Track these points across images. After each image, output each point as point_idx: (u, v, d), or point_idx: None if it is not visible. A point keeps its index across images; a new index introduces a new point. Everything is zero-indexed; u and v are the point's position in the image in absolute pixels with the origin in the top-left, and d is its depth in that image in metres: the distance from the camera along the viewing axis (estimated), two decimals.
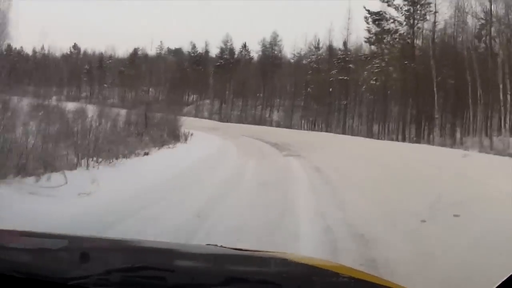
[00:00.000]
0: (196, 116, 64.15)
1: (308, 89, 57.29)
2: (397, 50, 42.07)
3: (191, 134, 27.03)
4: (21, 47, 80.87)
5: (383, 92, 43.46)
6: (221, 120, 61.90)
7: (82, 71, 79.70)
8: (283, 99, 64.18)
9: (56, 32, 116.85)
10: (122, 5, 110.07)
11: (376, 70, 42.30)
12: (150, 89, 71.81)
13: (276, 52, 69.04)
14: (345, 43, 53.66)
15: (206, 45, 76.23)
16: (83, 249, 2.02)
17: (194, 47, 77.03)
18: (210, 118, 63.37)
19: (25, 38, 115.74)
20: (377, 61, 42.66)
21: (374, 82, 42.71)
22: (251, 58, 73.23)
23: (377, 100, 45.35)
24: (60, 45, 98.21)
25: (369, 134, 42.50)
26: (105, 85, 75.41)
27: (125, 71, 75.96)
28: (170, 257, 2.23)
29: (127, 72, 75.11)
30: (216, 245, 2.46)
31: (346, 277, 1.93)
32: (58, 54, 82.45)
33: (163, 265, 1.95)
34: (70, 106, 30.51)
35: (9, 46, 77.04)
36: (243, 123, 58.64)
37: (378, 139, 39.00)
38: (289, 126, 55.39)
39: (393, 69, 41.62)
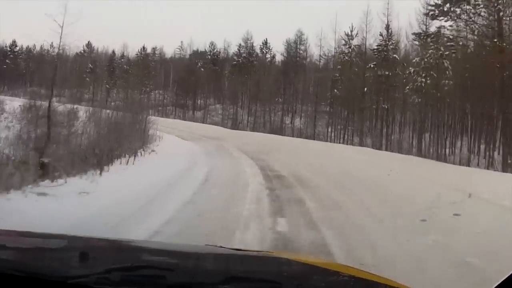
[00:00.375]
0: (205, 121, 56.06)
1: (335, 90, 43.87)
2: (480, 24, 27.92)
3: (140, 155, 16.03)
4: (34, 45, 75.04)
5: (435, 93, 30.20)
6: (233, 127, 51.48)
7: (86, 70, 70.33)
8: (306, 104, 53.48)
9: (75, 30, 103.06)
10: (145, 5, 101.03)
11: (448, 53, 28.80)
12: (155, 91, 65.03)
13: (301, 52, 60.33)
14: (387, 27, 39.74)
15: (228, 46, 68.22)
16: (82, 248, 1.91)
17: (212, 45, 69.10)
18: (222, 124, 53.40)
19: (42, 36, 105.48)
20: (445, 41, 29.21)
21: (424, 79, 29.70)
22: (273, 57, 64.72)
23: (426, 104, 31.97)
24: (75, 43, 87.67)
25: (419, 152, 29.69)
26: (107, 86, 66.85)
27: (130, 71, 67.70)
28: (170, 256, 2.09)
29: (134, 72, 66.67)
30: (215, 245, 2.44)
31: (346, 276, 1.85)
32: (71, 52, 74.32)
33: (163, 264, 1.86)
34: (61, 108, 22.81)
35: (14, 43, 69.47)
36: (257, 131, 48.20)
37: (437, 159, 26.32)
38: (312, 136, 42.98)
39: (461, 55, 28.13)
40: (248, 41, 64.27)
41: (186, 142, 26.69)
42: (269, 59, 64.58)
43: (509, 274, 1.62)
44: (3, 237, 2.14)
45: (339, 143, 38.94)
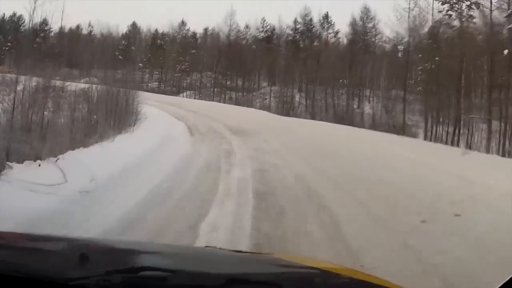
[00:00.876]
0: (252, 105, 44.69)
1: (428, 63, 28.78)
2: None
3: None
4: (77, 26, 67.97)
5: None
6: (286, 113, 38.85)
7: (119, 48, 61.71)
8: (376, 86, 42.48)
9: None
10: None
11: None
12: (201, 73, 55.02)
13: (369, 30, 50.32)
14: None
15: (286, 28, 56.66)
16: (83, 250, 1.83)
17: (264, 21, 57.99)
18: (274, 109, 41.80)
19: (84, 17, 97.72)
20: None
21: None
22: (336, 33, 53.56)
23: None
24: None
25: None
26: (140, 64, 56.89)
27: (165, 47, 59.06)
28: (171, 258, 2.11)
29: (169, 49, 57.94)
30: (215, 247, 2.44)
31: (347, 278, 1.85)
32: (116, 33, 67.15)
33: (164, 266, 1.78)
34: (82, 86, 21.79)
35: (45, 20, 60.84)
36: (317, 118, 35.51)
37: None
38: (400, 128, 28.32)
39: None
40: (306, 17, 54.42)
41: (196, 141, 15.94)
42: (331, 35, 54.15)
43: (509, 277, 1.56)
44: (4, 238, 2.10)
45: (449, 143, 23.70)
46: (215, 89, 52.45)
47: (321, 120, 32.54)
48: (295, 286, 1.69)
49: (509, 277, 1.57)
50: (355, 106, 42.09)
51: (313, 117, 36.10)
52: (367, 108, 40.89)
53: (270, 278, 1.75)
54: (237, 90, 51.93)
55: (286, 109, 41.45)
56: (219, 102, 45.75)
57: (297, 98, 46.75)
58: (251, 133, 19.01)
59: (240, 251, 2.30)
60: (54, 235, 2.49)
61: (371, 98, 43.21)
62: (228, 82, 52.90)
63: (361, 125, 31.35)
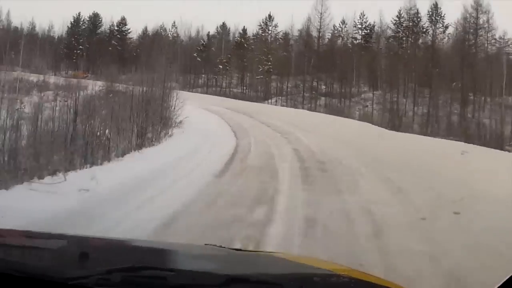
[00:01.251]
0: (351, 115, 37.87)
1: None
2: None
3: None
4: (161, 26, 65.43)
5: None
6: (392, 124, 33.09)
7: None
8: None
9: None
10: None
11: None
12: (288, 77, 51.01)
13: (481, 26, 45.90)
14: None
15: (386, 28, 52.68)
16: (83, 248, 1.89)
17: (362, 16, 54.95)
18: (381, 118, 37.00)
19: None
20: None
21: None
22: (446, 27, 49.78)
23: None
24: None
25: None
26: (220, 66, 54.55)
27: (246, 44, 56.20)
28: (171, 257, 2.13)
29: (252, 48, 55.58)
30: (215, 245, 2.41)
31: (346, 277, 1.86)
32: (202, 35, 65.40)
33: (164, 265, 1.86)
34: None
35: (123, 20, 58.66)
36: (429, 132, 31.11)
37: None
38: None
39: None
40: (411, 10, 50.17)
41: None
42: (441, 30, 50.22)
43: (509, 276, 1.58)
44: (4, 237, 2.12)
45: None
46: (305, 95, 48.02)
47: (438, 135, 26.59)
48: (295, 286, 1.69)
49: (510, 275, 1.55)
50: (469, 115, 39.77)
51: (423, 129, 30.42)
52: (484, 118, 38.09)
53: (270, 278, 1.74)
54: (332, 96, 47.53)
55: (392, 119, 36.16)
56: (309, 110, 40.46)
57: (403, 104, 42.69)
58: (337, 175, 10.52)
59: (240, 249, 2.31)
60: (54, 233, 2.43)
61: (486, 106, 40.46)
62: (323, 86, 48.69)
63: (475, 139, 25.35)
